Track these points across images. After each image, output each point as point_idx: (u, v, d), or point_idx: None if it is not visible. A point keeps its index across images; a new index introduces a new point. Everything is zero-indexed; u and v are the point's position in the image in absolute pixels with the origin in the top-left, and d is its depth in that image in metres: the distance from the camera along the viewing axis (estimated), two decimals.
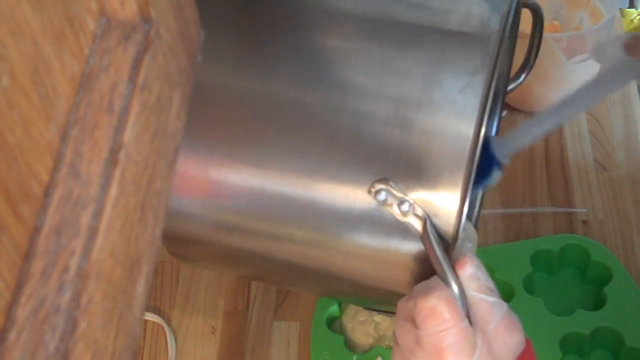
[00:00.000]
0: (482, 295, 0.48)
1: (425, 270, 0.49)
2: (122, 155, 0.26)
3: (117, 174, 0.26)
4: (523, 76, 0.69)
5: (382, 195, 0.49)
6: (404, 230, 0.49)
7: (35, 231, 0.24)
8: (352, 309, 0.81)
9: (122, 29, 0.29)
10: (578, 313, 0.77)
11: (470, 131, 0.48)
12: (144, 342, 0.84)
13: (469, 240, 0.51)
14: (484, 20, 0.52)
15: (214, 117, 0.53)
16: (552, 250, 0.83)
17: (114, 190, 0.26)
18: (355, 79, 0.52)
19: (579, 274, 0.84)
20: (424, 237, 0.49)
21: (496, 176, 0.56)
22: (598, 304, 0.79)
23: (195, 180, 0.54)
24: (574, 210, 0.89)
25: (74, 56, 0.27)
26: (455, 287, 0.47)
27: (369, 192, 0.49)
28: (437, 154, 0.49)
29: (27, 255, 0.24)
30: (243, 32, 0.54)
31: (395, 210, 0.49)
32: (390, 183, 0.49)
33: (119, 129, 0.27)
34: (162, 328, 0.85)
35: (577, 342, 0.77)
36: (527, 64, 0.69)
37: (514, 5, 0.53)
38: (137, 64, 0.28)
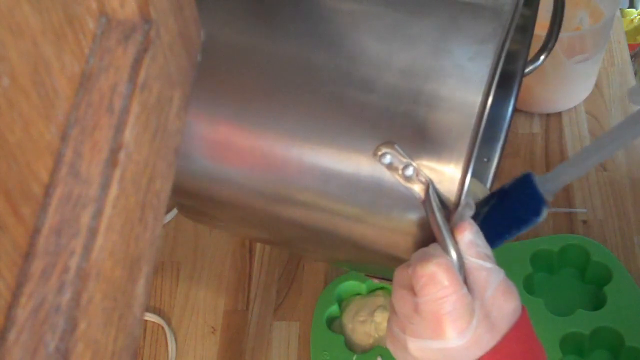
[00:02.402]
0: (480, 262, 0.48)
1: (427, 237, 0.50)
2: (122, 155, 0.26)
3: (117, 174, 0.26)
4: (542, 57, 0.68)
5: (387, 159, 0.49)
6: (407, 196, 0.49)
7: (35, 231, 0.24)
8: (352, 309, 0.81)
9: (122, 29, 0.29)
10: (578, 313, 0.77)
11: (477, 99, 0.48)
12: (144, 342, 0.84)
13: (469, 208, 0.51)
14: (488, 7, 0.51)
15: (222, 76, 0.54)
16: (552, 250, 0.83)
17: (114, 190, 0.26)
18: (365, 43, 0.52)
19: (579, 274, 0.84)
20: (425, 202, 0.49)
21: (544, 213, 0.56)
22: (598, 304, 0.79)
23: (203, 138, 0.54)
24: (574, 210, 0.89)
25: (74, 56, 0.27)
26: (453, 254, 0.47)
27: (375, 155, 0.49)
28: (443, 121, 0.49)
29: (27, 255, 0.24)
30: None
31: (399, 174, 0.49)
32: (396, 146, 0.49)
33: (119, 129, 0.27)
34: (162, 328, 0.85)
35: (577, 342, 0.77)
36: (548, 45, 0.68)
37: None
38: (137, 64, 0.28)
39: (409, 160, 0.49)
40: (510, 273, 0.67)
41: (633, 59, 1.08)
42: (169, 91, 0.32)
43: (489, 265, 0.48)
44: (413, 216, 0.50)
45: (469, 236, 0.48)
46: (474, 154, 0.48)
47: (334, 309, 0.82)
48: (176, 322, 0.85)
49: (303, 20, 0.54)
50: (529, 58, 0.68)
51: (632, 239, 0.86)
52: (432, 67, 0.50)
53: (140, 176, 0.28)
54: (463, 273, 0.48)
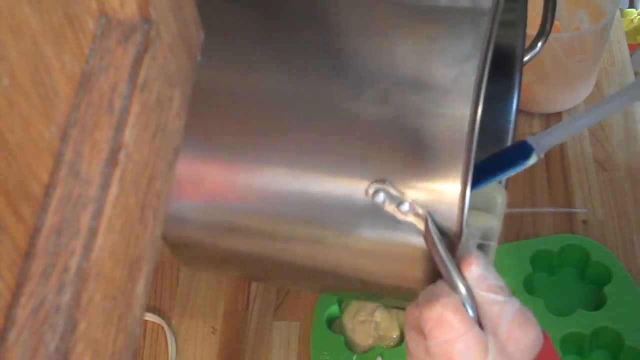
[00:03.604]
0: (491, 296, 0.46)
1: (434, 265, 0.47)
2: (122, 155, 0.26)
3: (117, 174, 0.26)
4: (540, 45, 0.66)
5: (380, 197, 0.48)
6: (407, 228, 0.48)
7: (35, 231, 0.24)
8: (352, 309, 0.81)
9: (122, 29, 0.29)
10: (578, 313, 0.77)
11: (464, 123, 0.47)
12: (144, 342, 0.84)
13: (473, 236, 0.48)
14: (475, 2, 0.50)
15: (209, 118, 0.52)
16: (552, 250, 0.83)
17: (114, 190, 0.26)
18: (343, 77, 0.50)
19: (579, 274, 0.84)
20: (426, 236, 0.47)
21: (533, 157, 0.54)
22: (598, 304, 0.79)
23: (195, 182, 0.53)
24: (574, 210, 0.89)
25: (74, 56, 0.27)
26: (462, 290, 0.45)
27: (367, 193, 0.48)
28: (432, 148, 0.48)
29: (27, 255, 0.24)
30: (231, 35, 0.54)
31: (395, 211, 0.48)
32: (387, 183, 0.48)
33: (119, 129, 0.27)
34: (162, 328, 0.85)
35: (577, 342, 0.77)
36: (543, 32, 0.65)
37: None
38: (137, 64, 0.28)
39: (401, 196, 0.47)
40: (510, 273, 0.67)
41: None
42: (169, 91, 0.31)
43: (501, 298, 0.46)
44: (417, 246, 0.48)
45: (478, 270, 0.46)
46: (470, 177, 0.46)
47: (334, 309, 0.82)
48: (176, 322, 0.85)
49: (281, 54, 0.52)
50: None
51: (632, 239, 0.86)
52: (414, 94, 0.49)
53: (140, 176, 0.28)
54: (474, 309, 0.45)
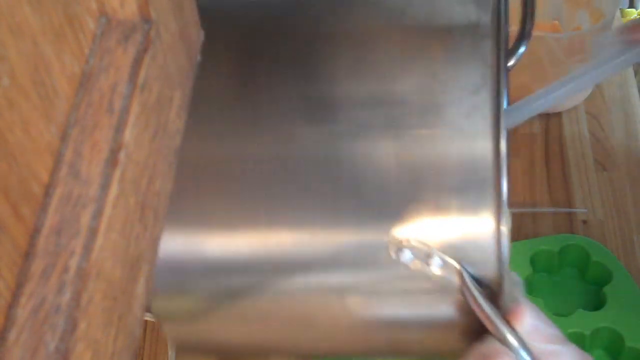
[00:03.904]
0: (549, 347, 0.42)
1: (476, 321, 0.42)
2: (122, 155, 0.26)
3: (117, 174, 0.26)
4: (523, 47, 0.61)
5: (406, 255, 0.42)
6: (440, 285, 0.42)
7: (35, 231, 0.24)
8: None
9: (122, 29, 0.29)
10: (578, 313, 0.77)
11: (487, 156, 0.42)
12: (144, 342, 0.84)
13: (517, 283, 0.44)
14: (471, 22, 0.45)
15: (199, 189, 0.46)
16: (552, 250, 0.83)
17: (114, 190, 0.26)
18: (347, 131, 0.44)
19: (579, 274, 0.84)
20: (464, 291, 0.42)
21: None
22: (598, 304, 0.79)
23: (195, 257, 0.46)
24: (574, 210, 0.89)
25: (74, 56, 0.27)
26: (517, 346, 0.40)
27: (391, 253, 0.42)
28: (455, 190, 0.42)
29: (27, 255, 0.24)
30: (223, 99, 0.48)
31: (425, 268, 0.42)
32: (411, 238, 0.42)
33: (119, 129, 0.27)
34: None
35: (577, 342, 0.76)
36: (524, 33, 0.61)
37: None
38: (137, 64, 0.28)
39: (429, 249, 0.42)
40: None
41: None
42: (169, 91, 0.31)
43: (559, 346, 0.43)
44: (455, 303, 0.43)
45: (530, 321, 0.42)
46: (504, 215, 0.41)
47: None
48: None
49: (275, 114, 0.46)
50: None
51: (632, 239, 0.86)
52: (427, 135, 0.43)
53: (140, 176, 0.28)
54: None
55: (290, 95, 0.46)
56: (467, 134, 0.43)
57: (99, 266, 0.25)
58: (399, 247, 0.42)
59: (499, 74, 0.43)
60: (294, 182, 0.45)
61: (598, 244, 0.83)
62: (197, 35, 0.36)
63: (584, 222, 0.87)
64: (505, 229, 0.41)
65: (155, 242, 0.30)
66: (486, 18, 0.45)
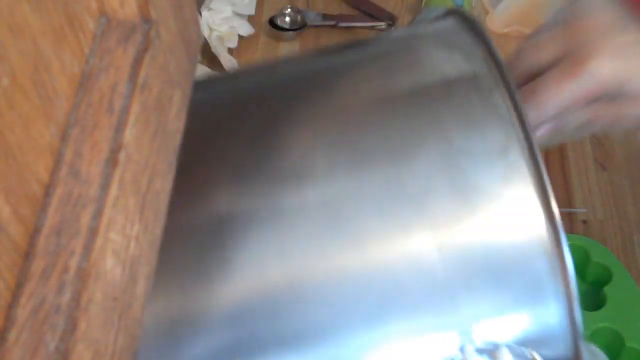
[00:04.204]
0: None
1: None
2: (122, 155, 0.26)
3: (117, 174, 0.26)
4: None
5: (469, 354, 0.38)
6: None
7: (35, 231, 0.24)
8: None
9: (122, 29, 0.29)
10: None
11: (540, 224, 0.38)
12: None
13: (598, 356, 0.40)
14: (468, 76, 0.41)
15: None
16: None
17: (114, 190, 0.26)
18: (375, 231, 0.38)
19: (579, 274, 0.84)
20: None
21: None
22: (598, 304, 0.79)
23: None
24: (574, 210, 0.89)
25: (74, 56, 0.27)
26: None
27: (452, 353, 0.38)
28: (509, 270, 0.38)
29: (27, 255, 0.24)
30: None
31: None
32: (473, 332, 0.38)
33: (119, 129, 0.27)
34: None
35: None
36: None
37: (488, 36, 0.42)
38: (137, 64, 0.28)
39: (495, 343, 0.38)
40: None
41: None
42: (169, 91, 0.31)
43: None
44: None
45: None
46: (575, 291, 0.37)
47: None
48: None
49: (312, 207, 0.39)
50: None
51: (632, 239, 0.86)
52: (465, 218, 0.38)
53: (140, 176, 0.28)
54: None
55: (304, 199, 0.40)
56: (508, 200, 0.38)
57: (99, 266, 0.25)
58: (462, 344, 0.38)
59: (524, 125, 0.39)
60: (347, 299, 0.38)
61: (598, 244, 0.83)
62: (197, 35, 0.36)
63: (584, 222, 0.87)
64: (578, 310, 0.37)
65: (155, 242, 0.30)
66: (481, 68, 0.41)
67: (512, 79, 0.40)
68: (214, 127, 0.43)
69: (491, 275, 0.38)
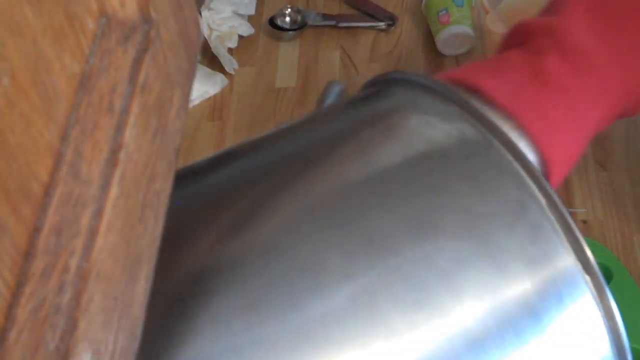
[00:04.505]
0: None
1: None
2: (122, 155, 0.26)
3: (117, 174, 0.26)
4: None
5: None
6: None
7: (35, 231, 0.24)
8: None
9: (122, 29, 0.29)
10: None
11: (579, 281, 0.38)
12: None
13: None
14: (458, 139, 0.39)
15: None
16: None
17: (114, 190, 0.26)
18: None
19: None
20: None
21: None
22: None
23: None
24: (574, 210, 0.89)
25: (74, 56, 0.27)
26: None
27: None
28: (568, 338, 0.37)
29: (27, 255, 0.24)
30: None
31: None
32: None
33: (119, 129, 0.27)
34: None
35: None
36: None
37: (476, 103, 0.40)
38: (137, 64, 0.28)
39: None
40: None
41: None
42: (169, 91, 0.31)
43: None
44: None
45: None
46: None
47: None
48: None
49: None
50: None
51: (632, 239, 0.86)
52: (501, 285, 0.36)
53: (140, 176, 0.28)
54: None
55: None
56: (539, 260, 0.37)
57: (99, 266, 0.25)
58: None
59: (537, 178, 0.38)
60: None
61: (598, 244, 0.83)
62: (197, 35, 0.36)
63: (584, 222, 0.87)
64: None
65: (155, 242, 0.30)
66: (468, 129, 0.39)
67: (504, 133, 0.38)
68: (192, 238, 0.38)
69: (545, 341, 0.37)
